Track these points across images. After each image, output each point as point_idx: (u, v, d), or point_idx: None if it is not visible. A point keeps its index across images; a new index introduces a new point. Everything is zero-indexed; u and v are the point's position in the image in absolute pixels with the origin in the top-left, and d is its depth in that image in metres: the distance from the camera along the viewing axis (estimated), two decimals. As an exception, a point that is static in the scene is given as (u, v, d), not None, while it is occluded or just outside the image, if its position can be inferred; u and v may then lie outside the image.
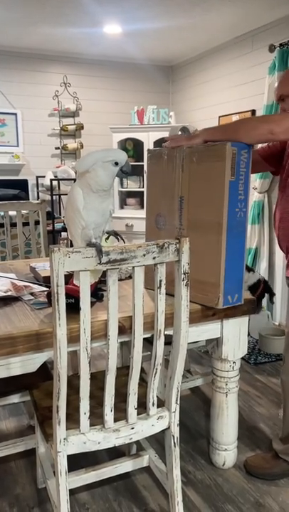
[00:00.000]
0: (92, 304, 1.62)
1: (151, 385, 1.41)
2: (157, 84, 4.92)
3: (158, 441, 1.95)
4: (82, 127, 4.58)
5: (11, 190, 4.25)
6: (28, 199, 4.37)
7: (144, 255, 1.24)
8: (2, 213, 2.96)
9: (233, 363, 1.79)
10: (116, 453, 1.94)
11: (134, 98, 4.80)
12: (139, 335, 1.31)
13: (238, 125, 1.53)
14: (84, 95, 4.60)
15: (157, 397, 1.46)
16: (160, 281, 1.30)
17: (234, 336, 1.75)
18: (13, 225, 2.90)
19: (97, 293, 1.71)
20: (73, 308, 1.39)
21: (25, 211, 3.09)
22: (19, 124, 4.39)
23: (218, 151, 1.43)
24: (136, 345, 1.32)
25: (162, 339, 1.36)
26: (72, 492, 1.73)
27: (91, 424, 1.36)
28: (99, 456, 1.95)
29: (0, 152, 4.34)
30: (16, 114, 4.36)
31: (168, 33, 3.84)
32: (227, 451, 1.87)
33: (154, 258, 1.27)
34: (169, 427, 1.49)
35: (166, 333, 1.40)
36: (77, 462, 1.77)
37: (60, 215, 4.58)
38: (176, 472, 1.51)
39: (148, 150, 1.74)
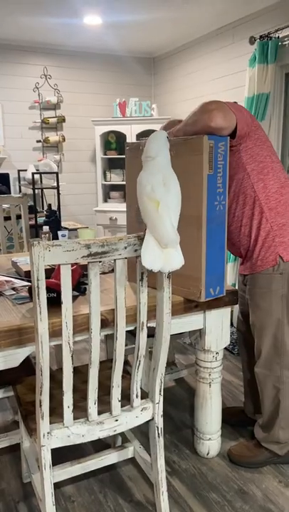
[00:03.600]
0: (75, 297, 1.62)
1: (134, 377, 1.42)
2: (139, 76, 4.89)
3: (143, 432, 1.96)
4: (63, 120, 4.54)
5: (-8, 184, 4.20)
6: (10, 193, 4.32)
7: (126, 248, 1.24)
8: (-17, 208, 2.91)
9: (216, 353, 1.81)
10: (101, 445, 1.95)
11: (116, 90, 4.77)
12: (121, 328, 1.31)
13: (188, 122, 1.54)
14: (65, 87, 4.54)
15: (141, 388, 1.47)
16: (142, 273, 1.30)
17: (217, 327, 1.77)
18: (-5, 219, 2.86)
19: (80, 287, 1.71)
20: (55, 302, 1.38)
21: (6, 205, 3.06)
22: (-1, 117, 4.32)
23: (196, 145, 1.43)
24: (119, 338, 1.32)
25: (145, 331, 1.37)
26: (58, 485, 1.73)
27: (75, 418, 1.36)
28: (84, 448, 1.95)
29: (-20, 146, 4.28)
30: (-5, 107, 4.29)
31: (149, 25, 3.82)
32: (211, 440, 1.89)
33: (135, 251, 1.27)
34: (152, 418, 1.50)
35: (149, 325, 1.41)
36: (63, 455, 1.78)
37: (42, 208, 4.54)
38: (161, 462, 1.53)
39: (126, 143, 1.73)
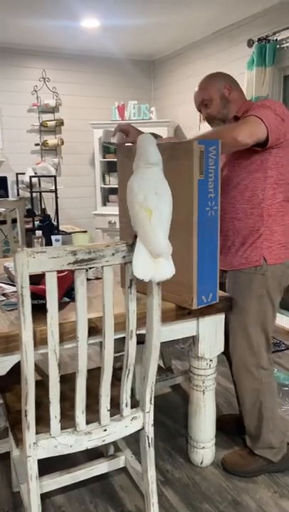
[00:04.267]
0: (66, 304, 1.60)
1: (124, 386, 1.39)
2: (139, 79, 4.88)
3: (136, 440, 1.92)
4: (62, 123, 4.53)
5: (-10, 187, 4.19)
6: (8, 196, 4.31)
7: (114, 254, 1.22)
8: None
9: (210, 360, 1.78)
10: (93, 454, 1.92)
11: (115, 93, 4.76)
12: (109, 336, 1.29)
13: (209, 137, 1.56)
14: (64, 90, 4.54)
15: (134, 397, 1.44)
16: (131, 280, 1.27)
17: (210, 334, 1.74)
18: (-10, 223, 2.85)
19: (71, 293, 1.68)
20: (45, 309, 1.36)
21: (2, 209, 3.04)
22: (-3, 120, 4.31)
23: (186, 149, 1.40)
24: (107, 346, 1.29)
25: (134, 339, 1.34)
26: (48, 494, 1.70)
27: (63, 427, 1.33)
28: (76, 457, 1.92)
29: (-22, 149, 4.27)
30: (-7, 110, 4.29)
31: (147, 28, 3.81)
32: (205, 449, 1.86)
33: (123, 257, 1.24)
34: (143, 428, 1.47)
35: (141, 332, 1.39)
36: (53, 463, 1.75)
37: (41, 212, 4.52)
38: (151, 473, 1.49)
39: (117, 146, 1.71)
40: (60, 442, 1.32)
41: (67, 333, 1.39)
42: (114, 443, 1.77)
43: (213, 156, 1.44)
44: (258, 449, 1.80)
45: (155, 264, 1.22)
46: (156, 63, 4.87)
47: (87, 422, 1.36)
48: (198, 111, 1.86)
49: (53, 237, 2.12)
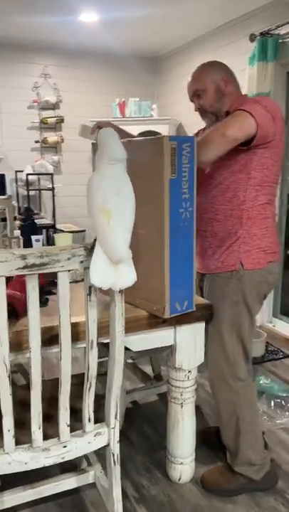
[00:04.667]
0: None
1: (86, 400, 1.29)
2: (141, 75, 4.77)
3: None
4: (62, 120, 4.45)
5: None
6: (5, 194, 4.25)
7: (69, 259, 1.12)
8: None
9: (189, 372, 1.67)
10: (66, 466, 1.82)
11: (117, 90, 4.66)
12: (66, 347, 1.19)
13: (198, 146, 1.45)
14: (64, 87, 4.46)
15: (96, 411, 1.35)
16: (90, 287, 1.18)
17: (189, 344, 1.63)
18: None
19: (42, 297, 1.60)
20: (11, 315, 1.29)
21: (-7, 207, 2.96)
22: (-4, 117, 4.26)
23: (156, 146, 1.30)
24: (64, 357, 1.20)
25: (95, 350, 1.25)
26: (14, 509, 1.62)
27: (21, 442, 1.25)
28: (47, 469, 1.83)
29: (-24, 146, 4.22)
30: (-7, 107, 4.23)
31: (149, 23, 3.70)
32: (183, 464, 1.75)
33: (81, 262, 1.15)
34: (108, 444, 1.37)
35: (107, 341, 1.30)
36: (21, 476, 1.66)
37: (40, 210, 4.47)
38: (117, 492, 1.40)
39: (92, 142, 1.61)
40: (13, 459, 1.23)
41: (26, 341, 1.30)
42: (86, 456, 1.68)
43: (188, 154, 1.34)
44: (238, 465, 1.69)
45: (116, 271, 1.13)
46: (158, 59, 4.76)
47: (49, 437, 1.28)
48: (191, 101, 1.75)
49: (34, 237, 2.04)
